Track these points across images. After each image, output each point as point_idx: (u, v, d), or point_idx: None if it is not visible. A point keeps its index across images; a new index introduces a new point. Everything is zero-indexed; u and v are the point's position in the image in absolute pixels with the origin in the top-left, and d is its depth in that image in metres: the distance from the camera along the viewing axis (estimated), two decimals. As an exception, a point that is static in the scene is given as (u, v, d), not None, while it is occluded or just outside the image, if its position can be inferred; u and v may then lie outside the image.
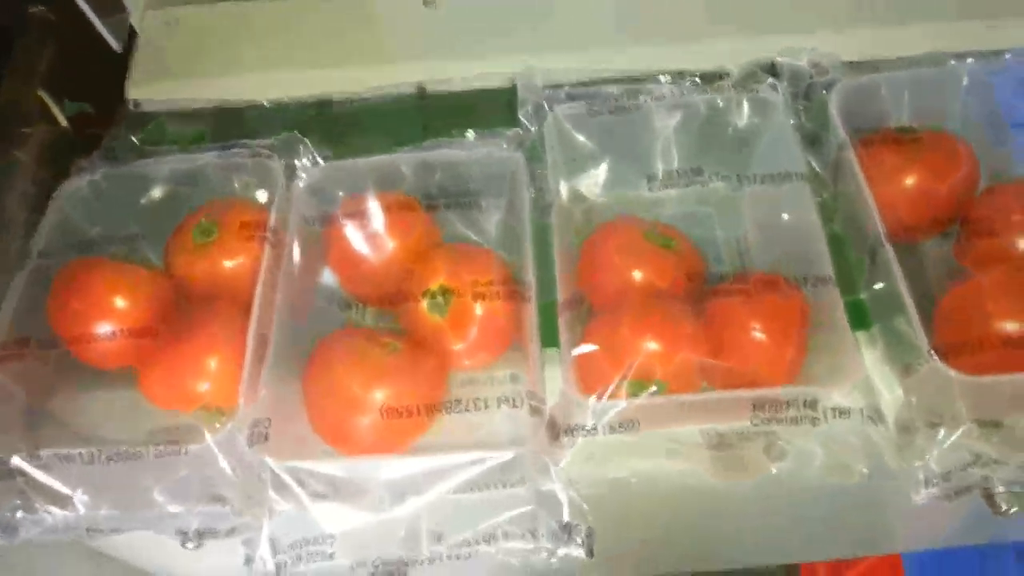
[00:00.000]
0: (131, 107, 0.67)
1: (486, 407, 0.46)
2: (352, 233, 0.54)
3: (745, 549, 0.68)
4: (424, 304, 0.50)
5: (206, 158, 0.56)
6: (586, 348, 0.46)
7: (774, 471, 0.47)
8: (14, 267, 0.52)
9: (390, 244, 0.54)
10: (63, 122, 0.68)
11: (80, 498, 0.44)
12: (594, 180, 0.58)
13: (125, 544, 0.61)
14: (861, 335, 0.49)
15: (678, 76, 0.59)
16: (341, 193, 0.56)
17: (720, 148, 0.56)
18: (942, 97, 0.55)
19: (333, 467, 0.44)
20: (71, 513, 0.44)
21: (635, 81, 0.59)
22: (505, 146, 0.56)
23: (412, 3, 0.69)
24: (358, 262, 0.54)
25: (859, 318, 0.49)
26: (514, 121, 0.58)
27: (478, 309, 0.49)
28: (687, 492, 0.51)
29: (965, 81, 0.55)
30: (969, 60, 0.55)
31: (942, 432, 0.44)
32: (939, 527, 0.67)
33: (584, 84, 0.61)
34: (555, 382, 0.46)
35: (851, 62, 0.57)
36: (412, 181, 0.56)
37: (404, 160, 0.56)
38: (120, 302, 0.52)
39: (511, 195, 0.55)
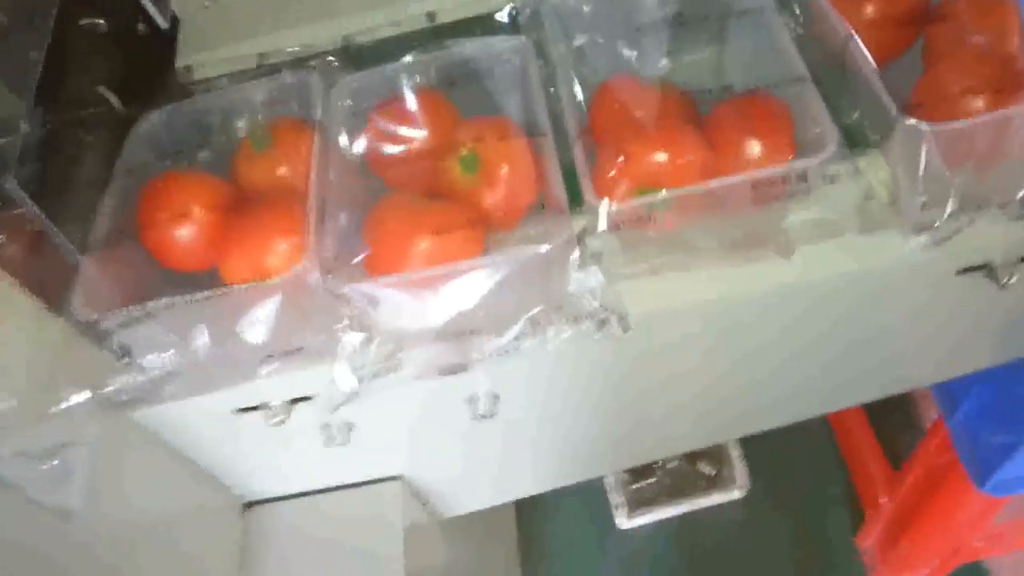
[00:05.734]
0: (182, 74, 0.76)
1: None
2: (388, 128, 0.61)
3: (774, 394, 0.73)
4: (457, 167, 0.57)
5: (256, 84, 0.65)
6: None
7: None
8: (103, 185, 0.61)
9: (422, 133, 0.61)
10: (118, 105, 0.77)
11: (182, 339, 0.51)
12: (592, 67, 0.66)
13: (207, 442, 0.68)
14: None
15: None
16: (373, 99, 0.64)
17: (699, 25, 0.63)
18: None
19: (395, 281, 0.50)
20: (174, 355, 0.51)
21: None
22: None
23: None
24: (395, 153, 0.61)
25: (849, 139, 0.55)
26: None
27: (504, 163, 0.56)
28: (710, 303, 0.57)
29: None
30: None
31: (923, 185, 0.50)
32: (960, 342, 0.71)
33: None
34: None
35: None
36: (435, 78, 0.63)
37: (425, 61, 0.63)
38: (197, 207, 0.60)
39: (522, 77, 0.62)
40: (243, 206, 0.62)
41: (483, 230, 0.57)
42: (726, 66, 0.63)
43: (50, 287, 0.55)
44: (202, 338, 0.52)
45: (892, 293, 0.59)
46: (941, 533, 1.10)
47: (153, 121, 0.65)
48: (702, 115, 0.57)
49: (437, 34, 0.73)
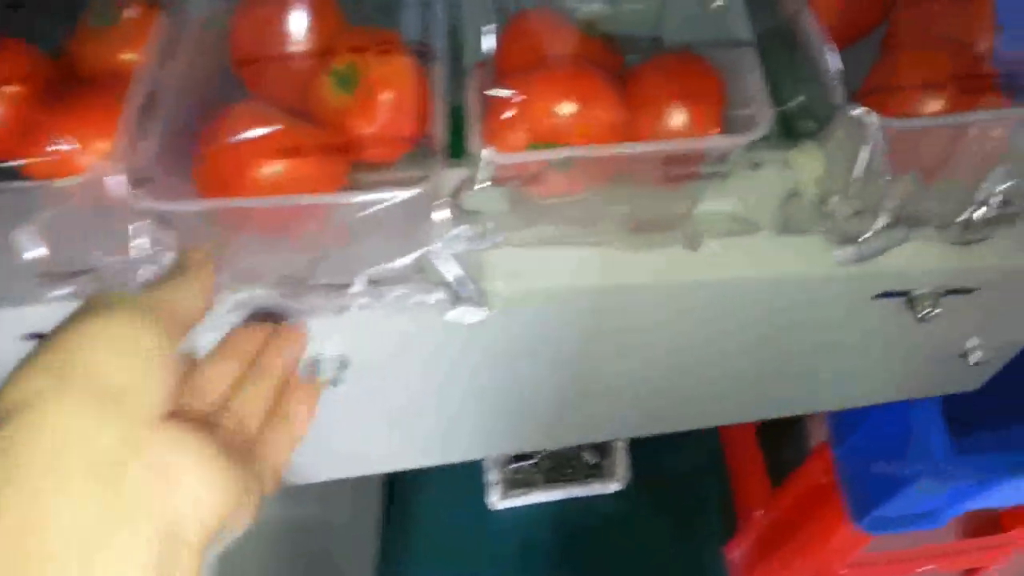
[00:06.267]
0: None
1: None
2: (258, 24, 0.51)
3: (660, 399, 0.66)
4: (330, 82, 0.47)
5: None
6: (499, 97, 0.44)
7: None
8: None
9: (298, 36, 0.51)
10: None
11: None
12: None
13: None
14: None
15: None
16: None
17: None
18: None
19: (221, 205, 0.41)
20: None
21: None
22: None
23: None
24: (263, 56, 0.51)
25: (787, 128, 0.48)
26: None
27: (385, 86, 0.47)
28: (596, 289, 0.49)
29: None
30: None
31: (859, 188, 0.43)
32: (869, 372, 0.66)
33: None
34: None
35: None
36: None
37: None
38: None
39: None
40: (67, 91, 0.51)
41: (346, 163, 0.47)
42: (665, 15, 0.55)
43: None
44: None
45: (800, 307, 0.52)
46: (809, 557, 1.07)
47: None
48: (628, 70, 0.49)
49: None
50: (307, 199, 0.41)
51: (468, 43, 0.47)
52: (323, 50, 0.49)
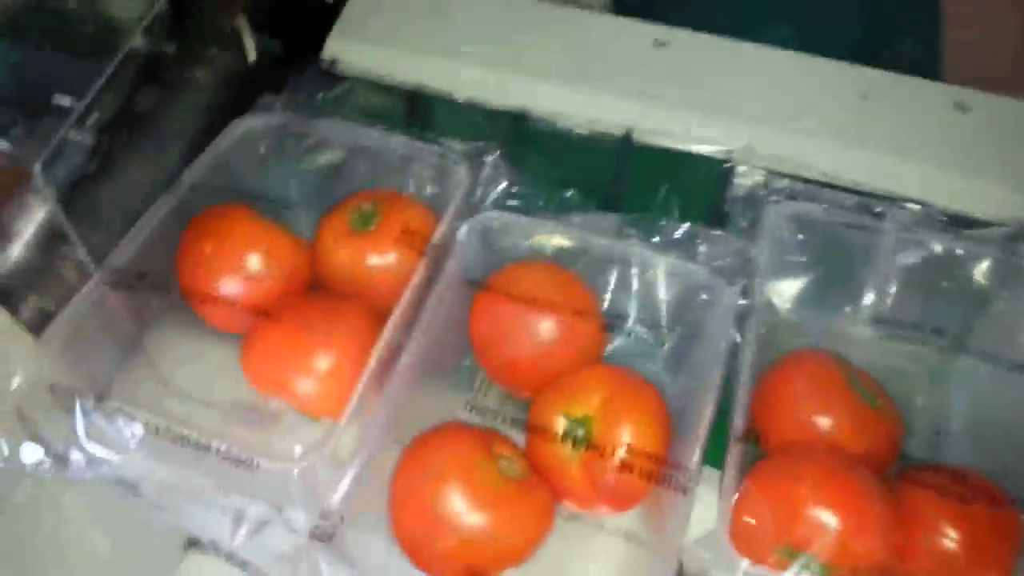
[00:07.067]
0: (325, 63, 0.62)
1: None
2: (508, 311, 0.46)
3: None
4: (560, 435, 0.42)
5: (392, 140, 0.52)
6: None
7: None
8: (161, 192, 0.49)
9: (548, 341, 0.46)
10: (252, 56, 0.64)
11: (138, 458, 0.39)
12: (790, 293, 0.51)
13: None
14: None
15: (922, 207, 0.51)
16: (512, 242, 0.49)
17: (951, 305, 0.48)
18: None
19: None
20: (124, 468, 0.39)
21: (867, 196, 0.52)
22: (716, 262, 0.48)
23: (641, 40, 0.63)
24: (503, 344, 0.47)
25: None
26: (719, 199, 0.53)
27: (623, 468, 0.41)
28: None
29: None
30: None
31: None
32: None
33: (804, 180, 0.54)
34: (703, 514, 0.39)
35: None
36: (595, 263, 0.48)
37: (597, 239, 0.48)
38: (253, 262, 0.48)
39: (705, 326, 0.47)
40: (308, 289, 0.50)
41: (551, 520, 0.42)
42: (961, 389, 0.47)
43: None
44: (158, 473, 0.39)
45: None
46: None
47: (252, 128, 0.52)
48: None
49: (626, 155, 0.58)
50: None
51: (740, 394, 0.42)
52: (569, 384, 0.43)
